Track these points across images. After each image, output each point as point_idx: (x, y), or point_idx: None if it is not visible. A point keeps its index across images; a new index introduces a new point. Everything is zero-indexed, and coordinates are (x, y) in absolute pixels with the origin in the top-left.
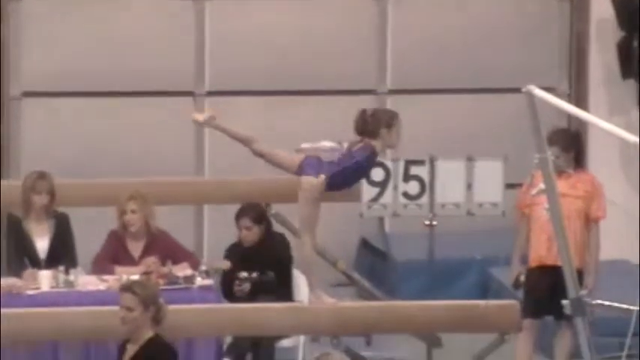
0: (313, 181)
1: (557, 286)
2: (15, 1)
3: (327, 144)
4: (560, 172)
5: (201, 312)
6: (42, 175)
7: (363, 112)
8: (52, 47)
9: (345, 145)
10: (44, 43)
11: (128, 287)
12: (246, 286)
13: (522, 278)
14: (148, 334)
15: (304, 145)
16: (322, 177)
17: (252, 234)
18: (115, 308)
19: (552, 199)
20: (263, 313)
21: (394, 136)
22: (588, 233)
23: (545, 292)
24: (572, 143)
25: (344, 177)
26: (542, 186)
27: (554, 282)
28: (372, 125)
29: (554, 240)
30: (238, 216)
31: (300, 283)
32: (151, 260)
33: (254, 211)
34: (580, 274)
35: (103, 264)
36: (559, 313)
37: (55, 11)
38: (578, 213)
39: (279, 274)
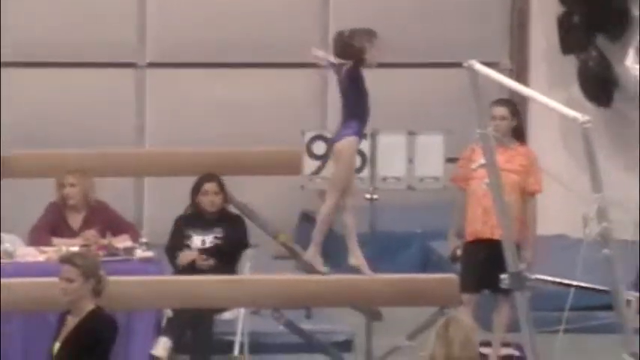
0: (350, 139)
1: (493, 259)
2: None
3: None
4: (497, 147)
5: (140, 283)
6: None
7: (341, 33)
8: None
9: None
10: (17, 14)
11: (68, 259)
12: (211, 262)
13: (459, 252)
14: (89, 306)
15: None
16: (355, 137)
17: (218, 199)
18: (55, 279)
19: (493, 173)
20: (203, 285)
21: (375, 52)
22: (525, 207)
23: (482, 266)
24: (516, 112)
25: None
26: (482, 160)
27: (491, 255)
28: (357, 43)
29: (490, 214)
30: (204, 181)
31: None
32: (90, 233)
33: (218, 179)
34: (518, 249)
35: (41, 235)
36: (496, 287)
37: None
38: (514, 187)
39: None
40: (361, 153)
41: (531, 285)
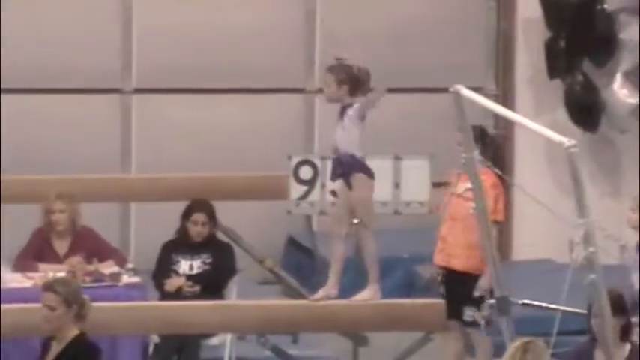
0: (367, 180)
1: (450, 289)
2: None
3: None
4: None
5: (126, 309)
6: None
7: (350, 67)
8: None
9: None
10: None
11: (49, 286)
12: (197, 288)
13: (439, 278)
14: (73, 332)
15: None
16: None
17: (205, 229)
18: (39, 305)
19: (479, 198)
20: (189, 310)
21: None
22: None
23: (447, 294)
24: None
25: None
26: (468, 185)
27: (448, 286)
28: (366, 78)
29: (446, 241)
30: (193, 211)
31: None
32: (76, 260)
33: (209, 208)
34: (476, 277)
35: (27, 261)
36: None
37: None
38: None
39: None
40: None
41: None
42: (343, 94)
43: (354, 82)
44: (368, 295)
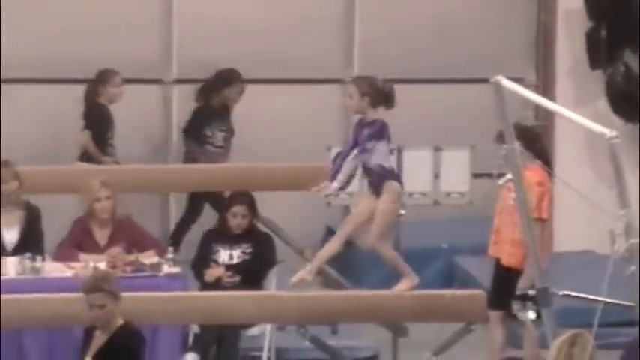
0: (397, 189)
1: (497, 281)
2: None
3: None
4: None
5: (166, 299)
6: (5, 164)
7: (374, 80)
8: (18, 34)
9: None
10: (11, 29)
11: (94, 287)
12: (237, 278)
13: None
14: (118, 321)
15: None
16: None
17: (245, 222)
18: (80, 295)
19: (519, 190)
20: (229, 301)
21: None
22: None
23: (492, 286)
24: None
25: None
26: (509, 176)
27: (495, 276)
28: (389, 91)
29: (500, 233)
30: (233, 203)
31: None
32: (116, 250)
33: (249, 200)
34: (520, 273)
35: (68, 251)
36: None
37: None
38: (513, 209)
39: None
40: None
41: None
42: (365, 105)
43: (376, 94)
44: (405, 286)
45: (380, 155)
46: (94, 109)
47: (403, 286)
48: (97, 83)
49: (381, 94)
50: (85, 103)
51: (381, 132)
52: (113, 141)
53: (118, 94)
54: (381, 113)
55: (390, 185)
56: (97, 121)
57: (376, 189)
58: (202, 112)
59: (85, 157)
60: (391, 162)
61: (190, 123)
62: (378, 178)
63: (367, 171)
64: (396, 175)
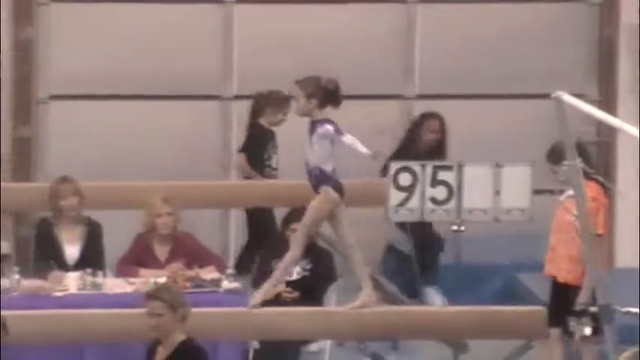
0: (332, 193)
1: (555, 298)
2: (44, 5)
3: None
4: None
5: (226, 315)
6: (65, 179)
7: (318, 80)
8: (80, 50)
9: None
10: (72, 46)
11: (154, 295)
12: (297, 294)
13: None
14: (180, 337)
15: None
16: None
17: None
18: (142, 310)
19: (581, 206)
20: (287, 317)
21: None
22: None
23: (550, 303)
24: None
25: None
26: (570, 192)
27: (553, 294)
28: (335, 90)
29: (555, 251)
30: (292, 219)
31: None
32: (176, 266)
33: None
34: (577, 289)
35: (128, 267)
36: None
37: (82, 14)
38: (574, 225)
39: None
40: (447, 184)
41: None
42: (312, 107)
43: (322, 95)
44: (359, 303)
45: (322, 157)
46: (253, 130)
47: (357, 304)
48: (262, 104)
49: (327, 94)
50: (248, 123)
51: (325, 133)
52: (271, 162)
53: (280, 121)
54: (328, 113)
55: (326, 190)
56: (255, 143)
57: (315, 190)
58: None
59: (243, 177)
60: (333, 165)
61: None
62: (316, 180)
63: (308, 171)
64: (334, 181)
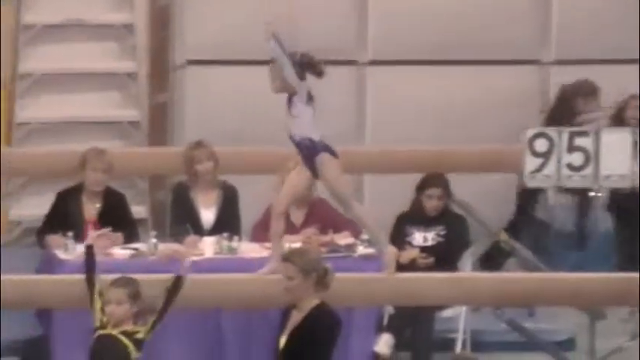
0: (331, 159)
1: None
2: None
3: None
4: None
5: (361, 281)
6: (200, 144)
7: (293, 54)
8: (218, 16)
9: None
10: (209, 11)
11: (287, 257)
12: (431, 260)
13: None
14: (313, 301)
15: None
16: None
17: (440, 203)
18: (277, 275)
19: None
20: (423, 283)
21: None
22: None
23: None
24: None
25: None
26: None
27: None
28: (309, 61)
29: None
30: (428, 185)
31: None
32: (311, 231)
33: (444, 181)
34: None
35: (263, 232)
36: None
37: None
38: None
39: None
40: (584, 150)
41: None
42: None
43: (298, 69)
44: (267, 270)
45: (307, 125)
46: None
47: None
48: None
49: (304, 67)
50: None
51: (305, 96)
52: None
53: None
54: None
55: (323, 157)
56: None
57: (309, 164)
58: None
59: None
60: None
61: None
62: (307, 151)
63: (296, 145)
64: (328, 147)
